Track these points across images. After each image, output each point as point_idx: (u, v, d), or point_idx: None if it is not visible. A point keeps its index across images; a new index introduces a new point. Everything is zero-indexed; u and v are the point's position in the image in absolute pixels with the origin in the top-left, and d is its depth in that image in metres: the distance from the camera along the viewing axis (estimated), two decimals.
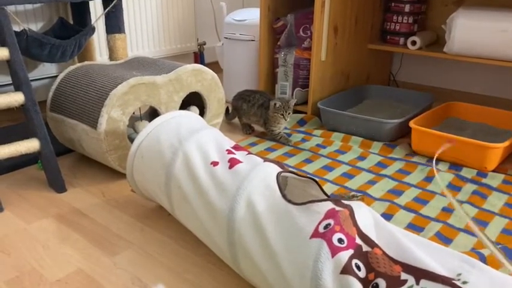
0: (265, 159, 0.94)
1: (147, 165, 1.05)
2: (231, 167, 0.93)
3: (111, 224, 1.10)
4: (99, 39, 1.88)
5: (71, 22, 1.74)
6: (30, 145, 1.23)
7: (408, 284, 0.65)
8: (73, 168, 1.41)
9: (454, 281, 0.62)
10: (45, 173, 1.29)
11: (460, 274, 0.64)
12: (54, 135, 1.43)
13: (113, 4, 1.55)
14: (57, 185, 1.27)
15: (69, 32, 1.65)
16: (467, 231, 1.08)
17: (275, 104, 1.54)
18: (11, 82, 1.65)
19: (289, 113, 1.55)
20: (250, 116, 1.66)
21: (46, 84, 1.82)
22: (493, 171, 1.39)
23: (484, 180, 1.33)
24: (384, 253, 0.71)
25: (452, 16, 1.73)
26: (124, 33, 1.61)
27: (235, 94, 1.74)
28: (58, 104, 1.35)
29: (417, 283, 0.64)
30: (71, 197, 1.24)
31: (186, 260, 0.98)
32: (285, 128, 1.74)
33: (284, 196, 0.81)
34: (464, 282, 0.62)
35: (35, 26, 1.71)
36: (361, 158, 1.49)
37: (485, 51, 1.68)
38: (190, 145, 1.00)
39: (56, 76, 1.83)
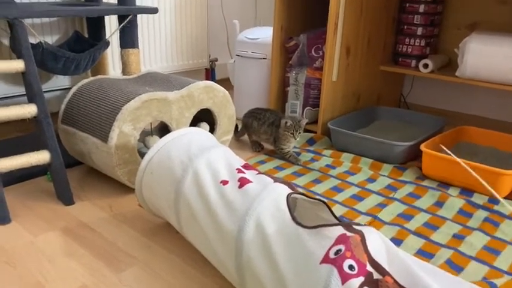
0: (276, 180, 0.94)
1: (156, 181, 1.05)
2: (240, 186, 0.92)
3: (118, 239, 1.10)
4: (112, 53, 1.90)
5: (86, 36, 1.77)
6: (41, 157, 1.23)
7: None
8: (81, 181, 1.41)
9: None
10: (53, 185, 1.29)
11: None
12: (64, 147, 1.43)
13: (128, 19, 1.56)
14: (65, 198, 1.26)
15: (83, 46, 1.67)
16: (479, 259, 1.06)
17: (286, 123, 1.54)
18: (20, 93, 1.68)
19: (299, 133, 1.55)
20: (260, 133, 1.66)
21: (58, 96, 1.84)
22: (505, 198, 1.37)
23: (495, 207, 1.31)
24: (395, 281, 0.69)
25: (465, 40, 1.73)
26: (138, 48, 1.63)
27: (245, 112, 1.74)
28: (70, 117, 1.36)
29: None
30: (79, 210, 1.23)
31: (193, 279, 0.97)
32: (294, 147, 1.73)
33: (294, 219, 0.80)
34: None
35: (51, 39, 1.73)
36: (371, 180, 1.47)
37: (498, 77, 1.67)
38: (201, 163, 1.00)
39: (68, 88, 1.85)
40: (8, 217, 1.16)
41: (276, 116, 1.63)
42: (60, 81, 1.81)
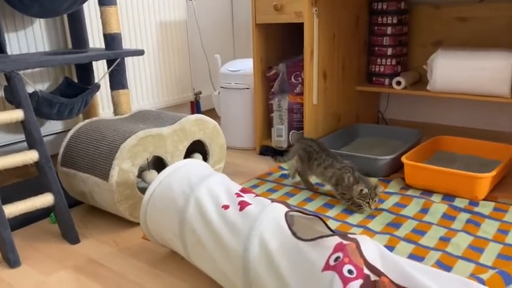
0: (273, 200, 1.02)
1: (160, 213, 1.11)
2: (241, 209, 0.99)
3: (128, 272, 1.15)
4: (101, 94, 1.98)
5: (76, 80, 1.84)
6: (45, 199, 1.29)
7: None
8: (84, 219, 1.46)
9: None
10: (58, 226, 1.34)
11: None
12: (65, 188, 1.48)
13: (116, 63, 1.65)
14: (71, 237, 1.31)
15: (74, 90, 1.74)
16: (465, 258, 1.15)
17: (361, 191, 1.37)
18: (11, 142, 1.74)
19: (375, 201, 1.38)
20: (317, 174, 1.56)
21: (52, 140, 1.90)
22: (484, 199, 1.47)
23: (476, 209, 1.41)
24: (391, 281, 0.77)
25: (432, 57, 1.87)
26: (127, 88, 1.71)
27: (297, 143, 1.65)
28: (69, 159, 1.43)
29: None
30: (85, 247, 1.28)
31: None
32: (283, 169, 1.82)
33: (294, 234, 0.88)
34: None
35: (42, 86, 1.80)
36: None
37: (465, 88, 1.80)
38: (201, 191, 1.07)
39: (61, 132, 1.91)
40: (18, 260, 1.20)
41: (332, 159, 1.52)
42: (53, 125, 1.87)
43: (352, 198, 1.41)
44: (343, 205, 1.48)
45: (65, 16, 1.80)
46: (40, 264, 1.20)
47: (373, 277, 0.78)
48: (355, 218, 1.39)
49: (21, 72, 1.34)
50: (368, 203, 1.38)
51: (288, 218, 0.94)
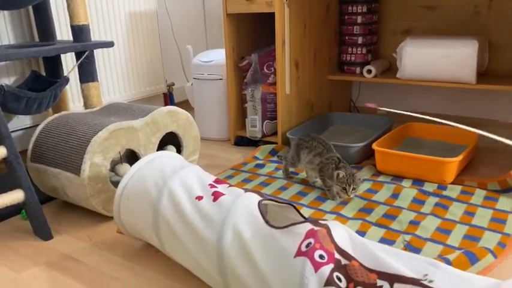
0: (246, 190, 1.02)
1: (134, 206, 1.11)
2: (215, 199, 1.00)
3: (102, 266, 1.15)
4: (71, 88, 1.94)
5: (44, 74, 1.80)
6: (15, 196, 1.26)
7: None
8: (56, 215, 1.44)
9: (421, 281, 0.72)
10: (30, 222, 1.32)
11: (426, 275, 0.73)
12: (36, 184, 1.46)
13: (85, 55, 1.62)
14: (44, 233, 1.30)
15: (42, 84, 1.70)
16: (433, 240, 1.19)
17: (338, 174, 1.39)
18: None
19: (353, 189, 1.39)
20: (306, 163, 1.56)
21: (20, 135, 1.85)
22: (452, 183, 1.52)
23: (444, 193, 1.46)
24: (360, 264, 0.79)
25: (401, 45, 1.91)
26: (97, 81, 1.68)
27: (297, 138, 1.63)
28: (39, 155, 1.40)
29: (391, 287, 0.73)
30: (58, 243, 1.27)
31: None
32: (258, 159, 1.83)
33: (267, 222, 0.89)
34: (431, 281, 0.71)
35: (8, 80, 1.75)
36: None
37: (433, 75, 1.85)
38: (175, 182, 1.07)
39: (30, 127, 1.87)
40: None
41: (323, 147, 1.53)
42: (21, 120, 1.83)
43: (332, 187, 1.44)
44: (317, 192, 1.50)
45: (31, 8, 1.75)
46: (12, 261, 1.18)
47: (343, 261, 0.80)
48: (328, 205, 1.41)
49: None
50: (345, 188, 1.38)
51: (261, 207, 0.95)
